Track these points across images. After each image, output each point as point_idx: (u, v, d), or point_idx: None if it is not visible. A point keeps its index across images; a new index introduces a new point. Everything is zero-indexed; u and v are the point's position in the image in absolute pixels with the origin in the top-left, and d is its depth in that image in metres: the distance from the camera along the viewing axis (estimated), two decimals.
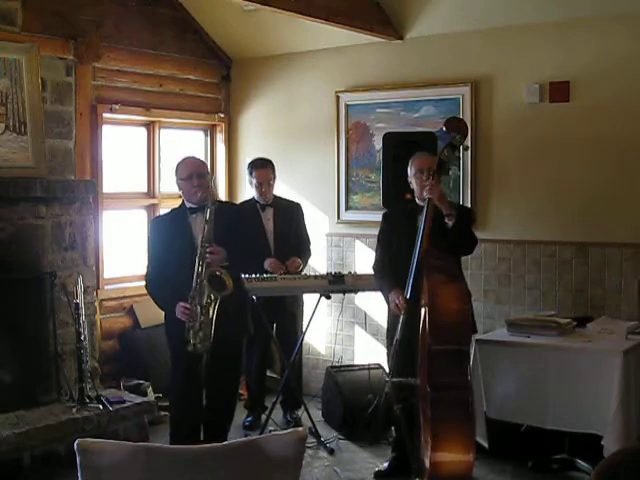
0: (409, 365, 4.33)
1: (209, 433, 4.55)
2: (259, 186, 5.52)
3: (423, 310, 4.18)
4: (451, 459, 4.07)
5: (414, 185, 4.55)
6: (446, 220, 4.30)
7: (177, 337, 4.33)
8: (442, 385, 4.10)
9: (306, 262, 5.63)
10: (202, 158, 6.68)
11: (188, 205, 4.47)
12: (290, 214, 5.62)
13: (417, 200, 4.56)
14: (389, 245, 4.67)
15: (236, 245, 4.35)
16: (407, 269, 4.36)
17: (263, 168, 5.55)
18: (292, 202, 5.71)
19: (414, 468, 4.40)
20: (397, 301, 4.41)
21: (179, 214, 4.52)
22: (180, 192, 4.54)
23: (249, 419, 5.62)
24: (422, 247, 4.27)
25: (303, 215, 5.71)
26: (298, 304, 5.58)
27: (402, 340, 4.39)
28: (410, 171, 4.57)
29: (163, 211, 6.21)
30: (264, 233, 5.50)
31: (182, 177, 4.45)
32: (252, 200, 5.61)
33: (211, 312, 4.23)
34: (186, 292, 4.25)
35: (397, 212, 4.79)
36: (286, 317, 5.55)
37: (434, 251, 4.27)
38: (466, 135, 4.49)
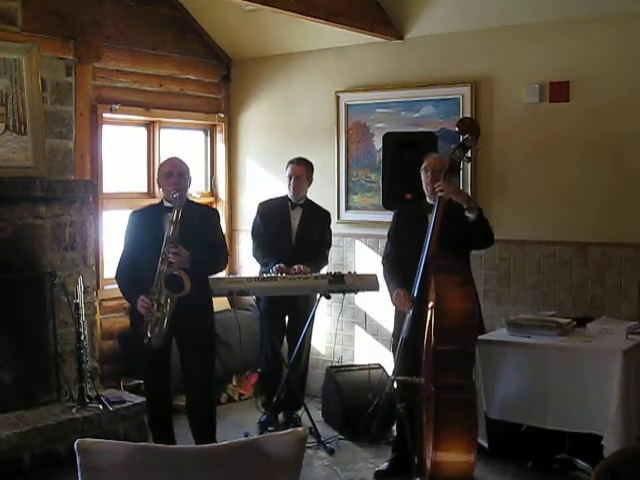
0: (414, 364, 4.33)
1: (195, 429, 4.67)
2: (289, 179, 5.56)
3: (430, 310, 4.19)
4: (453, 459, 4.07)
5: (423, 182, 4.60)
6: (467, 213, 4.30)
7: (140, 330, 4.45)
8: (446, 385, 4.10)
9: (319, 269, 5.58)
10: (202, 158, 6.77)
11: (166, 204, 4.56)
12: (317, 219, 5.63)
13: (427, 198, 4.58)
14: (397, 242, 4.69)
15: (201, 247, 4.44)
16: (415, 268, 4.37)
17: (297, 164, 5.60)
18: (322, 208, 5.73)
19: (415, 467, 4.40)
20: (401, 299, 4.43)
21: (155, 211, 4.63)
22: (160, 190, 4.69)
23: (264, 417, 5.57)
24: (430, 248, 4.27)
25: (330, 223, 5.71)
26: (308, 304, 5.56)
27: (408, 339, 4.39)
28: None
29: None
30: (289, 231, 5.53)
31: (162, 174, 4.58)
32: (284, 198, 5.63)
33: (167, 310, 4.32)
34: (146, 285, 4.37)
35: (408, 210, 4.81)
36: (295, 315, 5.56)
37: (442, 252, 4.28)
38: (478, 136, 4.47)
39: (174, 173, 4.53)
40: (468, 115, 5.56)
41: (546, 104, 5.37)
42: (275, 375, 5.65)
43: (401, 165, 5.31)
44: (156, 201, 5.01)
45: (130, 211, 4.91)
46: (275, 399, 5.39)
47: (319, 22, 5.42)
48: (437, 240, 4.27)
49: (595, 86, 5.21)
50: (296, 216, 5.57)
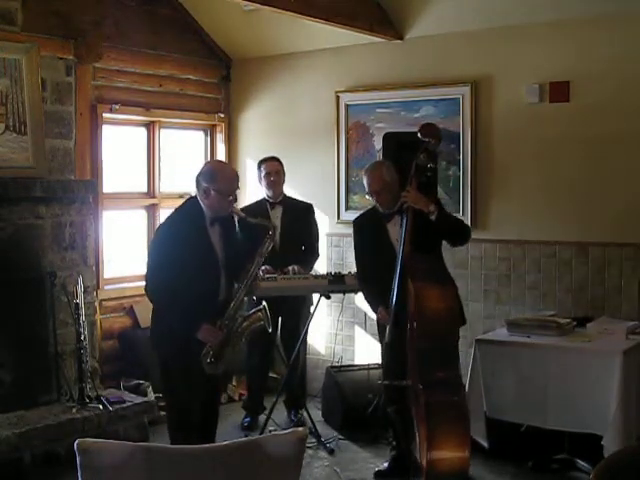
0: (400, 367, 4.35)
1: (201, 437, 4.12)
2: (267, 176, 5.49)
3: (410, 312, 4.22)
4: (447, 456, 4.10)
5: (371, 198, 4.62)
6: (430, 217, 4.32)
7: (189, 354, 3.97)
8: (433, 382, 4.14)
9: (311, 266, 5.55)
10: (202, 158, 6.77)
11: (208, 215, 4.02)
12: (299, 214, 5.58)
13: (380, 208, 4.60)
14: (364, 252, 4.71)
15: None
16: (384, 275, 4.40)
17: (272, 161, 5.57)
18: (303, 202, 5.68)
19: (411, 468, 4.41)
20: (383, 316, 4.49)
21: (194, 220, 4.03)
22: (203, 197, 3.99)
23: (247, 419, 5.61)
24: (404, 252, 4.30)
25: (314, 216, 5.66)
26: (302, 302, 5.53)
27: (391, 343, 4.42)
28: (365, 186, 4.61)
29: (163, 211, 6.19)
30: None
31: (220, 190, 3.95)
32: (262, 200, 5.59)
33: (243, 336, 4.14)
34: (201, 306, 3.94)
35: (364, 219, 4.80)
36: (288, 314, 5.52)
37: (417, 255, 4.31)
38: (440, 140, 4.50)
39: (233, 193, 4.03)
40: (468, 115, 5.58)
41: (546, 104, 5.37)
42: (262, 377, 5.69)
43: (401, 165, 5.29)
44: (176, 203, 4.43)
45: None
46: (276, 399, 5.38)
47: (319, 22, 5.42)
48: (411, 245, 4.29)
49: (595, 86, 5.21)
50: (277, 214, 5.50)
